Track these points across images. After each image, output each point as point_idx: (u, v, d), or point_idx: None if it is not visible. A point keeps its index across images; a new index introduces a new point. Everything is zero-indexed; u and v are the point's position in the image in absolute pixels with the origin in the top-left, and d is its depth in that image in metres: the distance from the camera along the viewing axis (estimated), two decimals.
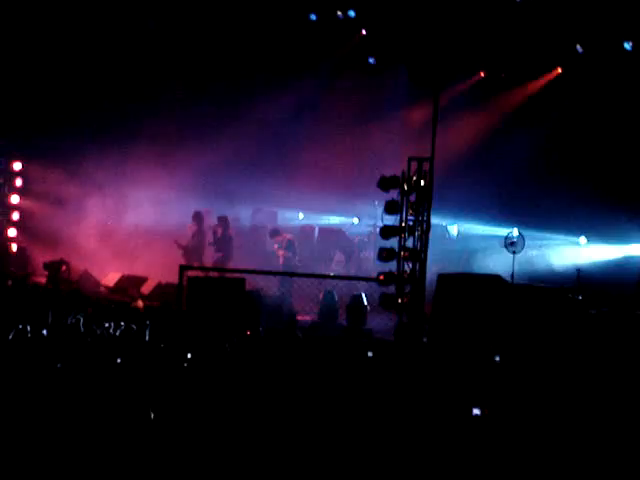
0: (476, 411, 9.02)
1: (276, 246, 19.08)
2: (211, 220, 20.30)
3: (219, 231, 19.49)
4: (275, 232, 19.16)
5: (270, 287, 18.25)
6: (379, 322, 15.82)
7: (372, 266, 21.12)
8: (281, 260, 18.70)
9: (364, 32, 21.79)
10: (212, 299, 15.22)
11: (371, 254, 21.28)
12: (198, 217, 19.83)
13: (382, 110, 22.45)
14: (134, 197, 21.19)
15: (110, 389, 9.61)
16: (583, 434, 8.78)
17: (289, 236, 18.99)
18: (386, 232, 14.54)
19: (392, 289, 14.46)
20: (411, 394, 9.91)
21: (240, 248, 20.16)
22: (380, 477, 8.05)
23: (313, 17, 21.36)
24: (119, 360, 10.95)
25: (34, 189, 20.58)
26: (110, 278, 19.30)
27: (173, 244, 19.41)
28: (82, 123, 20.97)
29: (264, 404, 9.42)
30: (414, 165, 14.21)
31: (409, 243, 14.36)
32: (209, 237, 19.76)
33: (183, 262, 18.21)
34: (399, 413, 9.28)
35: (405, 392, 9.99)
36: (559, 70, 21.88)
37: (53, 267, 18.18)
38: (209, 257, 19.63)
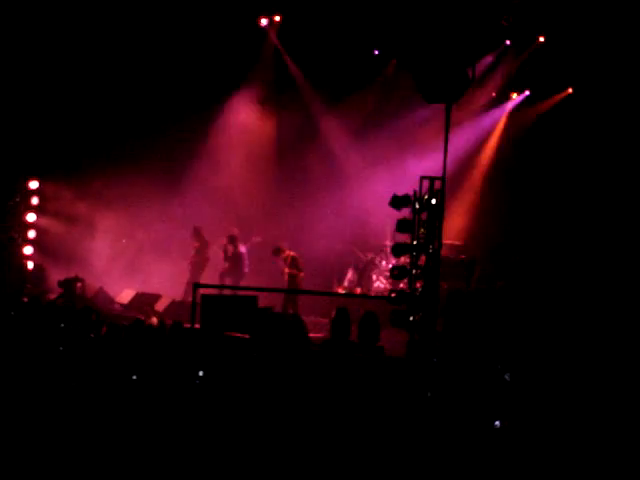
0: (497, 423, 9.05)
1: (282, 264, 19.08)
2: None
3: (230, 249, 19.59)
4: (277, 251, 18.98)
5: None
6: (391, 339, 15.87)
7: (383, 284, 21.26)
8: (286, 277, 18.72)
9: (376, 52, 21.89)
10: (225, 316, 15.31)
11: (383, 272, 21.37)
12: (197, 232, 20.04)
13: (395, 126, 22.52)
14: (146, 215, 21.36)
15: (125, 406, 9.71)
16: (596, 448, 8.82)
17: (292, 253, 18.87)
18: (398, 250, 14.66)
19: (403, 306, 14.55)
20: (423, 410, 9.98)
21: (252, 265, 20.30)
22: None
23: None
24: (134, 377, 11.06)
25: (49, 207, 20.76)
26: (124, 295, 19.49)
27: (185, 262, 19.62)
28: (95, 142, 21.19)
29: (276, 422, 9.49)
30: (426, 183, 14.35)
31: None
32: (210, 252, 19.93)
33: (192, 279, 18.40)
34: (411, 430, 9.34)
35: (417, 408, 10.05)
36: (570, 90, 22.05)
37: (68, 284, 18.33)
38: (216, 272, 19.70)
